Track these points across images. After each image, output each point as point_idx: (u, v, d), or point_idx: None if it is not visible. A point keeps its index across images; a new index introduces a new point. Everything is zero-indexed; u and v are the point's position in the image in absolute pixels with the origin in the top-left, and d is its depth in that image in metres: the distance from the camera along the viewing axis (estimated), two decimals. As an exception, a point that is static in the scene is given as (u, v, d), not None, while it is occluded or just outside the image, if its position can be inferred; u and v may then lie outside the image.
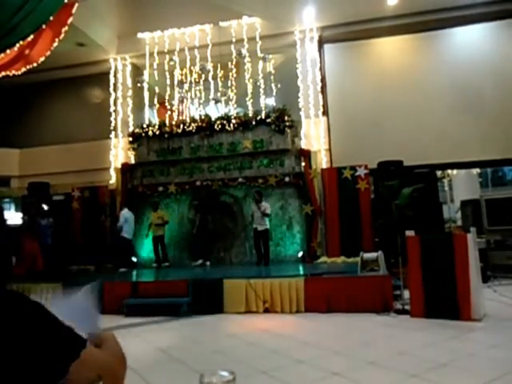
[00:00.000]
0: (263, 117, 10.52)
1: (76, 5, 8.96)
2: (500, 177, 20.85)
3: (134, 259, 10.62)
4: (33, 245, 9.58)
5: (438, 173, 12.24)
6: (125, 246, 10.05)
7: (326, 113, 11.12)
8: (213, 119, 10.83)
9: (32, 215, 9.98)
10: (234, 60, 11.40)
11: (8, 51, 8.08)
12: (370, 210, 9.61)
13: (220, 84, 11.50)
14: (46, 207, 10.44)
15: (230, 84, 11.34)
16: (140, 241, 10.73)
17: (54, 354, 0.73)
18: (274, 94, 11.00)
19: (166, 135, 11.04)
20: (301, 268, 8.54)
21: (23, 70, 9.51)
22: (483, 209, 9.47)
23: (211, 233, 10.33)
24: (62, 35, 9.20)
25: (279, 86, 11.01)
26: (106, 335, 0.89)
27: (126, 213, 10.07)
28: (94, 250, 10.62)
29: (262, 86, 11.03)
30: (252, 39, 11.27)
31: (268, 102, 11.13)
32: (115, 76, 12.64)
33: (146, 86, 12.12)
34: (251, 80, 11.14)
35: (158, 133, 11.11)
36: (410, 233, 6.00)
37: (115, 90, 12.58)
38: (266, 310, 6.51)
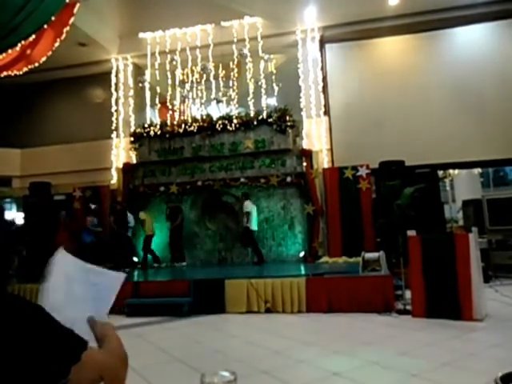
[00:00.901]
0: (265, 117, 10.52)
1: (77, 5, 8.97)
2: (501, 177, 20.81)
3: (135, 259, 10.62)
4: (67, 244, 9.63)
5: (440, 173, 12.20)
6: (130, 246, 10.13)
7: (327, 113, 11.11)
8: (214, 119, 10.83)
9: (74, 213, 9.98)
10: (236, 60, 11.39)
11: (10, 51, 8.09)
12: (371, 210, 9.59)
13: (221, 84, 11.50)
14: (93, 206, 10.43)
15: (231, 84, 11.34)
16: (141, 241, 10.72)
17: (54, 356, 0.73)
18: (276, 93, 10.98)
19: (167, 135, 11.04)
20: (302, 268, 8.54)
21: (25, 69, 9.52)
22: (485, 209, 9.45)
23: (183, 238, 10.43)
24: (64, 35, 9.21)
25: (281, 85, 10.98)
26: (107, 330, 0.89)
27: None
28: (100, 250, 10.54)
29: (264, 85, 11.03)
30: (253, 39, 11.26)
31: (269, 101, 11.12)
32: (117, 76, 12.65)
33: (147, 85, 12.11)
34: (253, 80, 11.14)
35: (159, 133, 11.12)
36: (411, 233, 6.00)
37: (117, 89, 12.58)
38: (268, 310, 6.51)
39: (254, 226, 9.68)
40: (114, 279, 0.92)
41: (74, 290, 0.87)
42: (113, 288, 0.91)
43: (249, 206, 9.68)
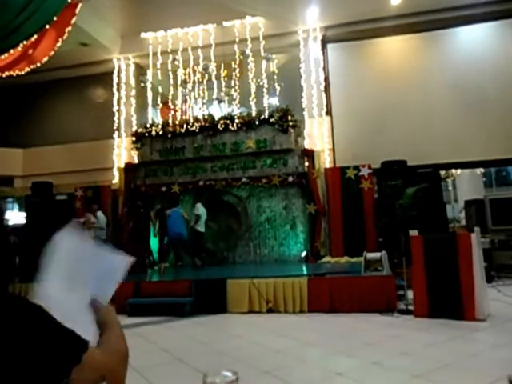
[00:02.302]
0: (266, 116, 10.51)
1: (79, 5, 8.98)
2: (504, 176, 20.75)
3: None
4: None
5: (442, 172, 12.17)
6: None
7: (329, 112, 11.10)
8: (216, 119, 10.83)
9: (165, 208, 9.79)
10: (238, 60, 11.39)
11: (12, 51, 8.10)
12: (373, 210, 9.58)
13: (223, 84, 11.49)
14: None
15: (233, 84, 11.33)
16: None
17: (55, 357, 0.73)
18: (278, 93, 10.98)
19: (169, 135, 11.04)
20: (304, 268, 8.53)
21: (27, 69, 9.53)
22: (487, 208, 9.42)
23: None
24: (66, 35, 9.22)
25: (282, 85, 10.99)
26: (109, 316, 0.89)
27: None
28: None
29: (266, 85, 11.03)
30: (255, 39, 11.26)
31: (271, 101, 11.11)
32: (118, 76, 12.66)
33: (149, 85, 12.13)
34: (254, 80, 11.14)
35: (161, 132, 11.12)
36: (413, 233, 5.98)
37: (118, 89, 12.59)
38: (270, 310, 6.50)
39: (202, 228, 9.66)
40: (120, 262, 0.91)
41: (74, 269, 0.86)
42: (118, 271, 0.91)
43: (200, 208, 9.67)
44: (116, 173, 11.86)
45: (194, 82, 11.74)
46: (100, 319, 0.88)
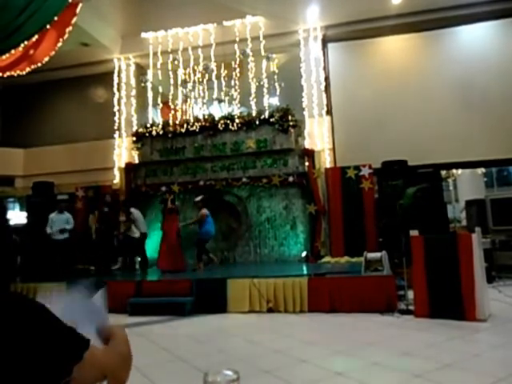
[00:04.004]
0: (267, 116, 10.51)
1: (80, 5, 8.97)
2: (505, 176, 20.70)
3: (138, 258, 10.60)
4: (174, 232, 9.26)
5: (443, 172, 12.16)
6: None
7: (329, 112, 11.09)
8: (216, 119, 10.83)
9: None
10: (238, 59, 11.38)
11: (13, 51, 8.10)
12: (373, 210, 9.59)
13: (223, 83, 11.48)
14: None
15: (233, 83, 11.32)
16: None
17: (57, 355, 0.73)
18: (278, 93, 10.97)
19: (169, 135, 11.05)
20: (304, 268, 8.53)
21: (28, 69, 9.53)
22: (488, 209, 9.41)
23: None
24: (66, 35, 9.20)
25: (283, 85, 10.98)
26: (115, 329, 0.90)
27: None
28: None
29: (266, 85, 11.01)
30: (255, 38, 11.23)
31: (271, 101, 11.10)
32: (119, 76, 12.65)
33: (149, 85, 12.12)
34: (255, 79, 11.13)
35: (161, 132, 11.12)
36: (414, 233, 5.98)
37: (119, 89, 12.59)
38: (270, 310, 6.51)
39: (136, 234, 9.48)
40: (83, 294, 0.93)
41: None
42: (87, 301, 0.92)
43: (135, 212, 9.50)
44: (117, 173, 11.87)
45: (194, 81, 11.73)
46: (103, 336, 0.89)
